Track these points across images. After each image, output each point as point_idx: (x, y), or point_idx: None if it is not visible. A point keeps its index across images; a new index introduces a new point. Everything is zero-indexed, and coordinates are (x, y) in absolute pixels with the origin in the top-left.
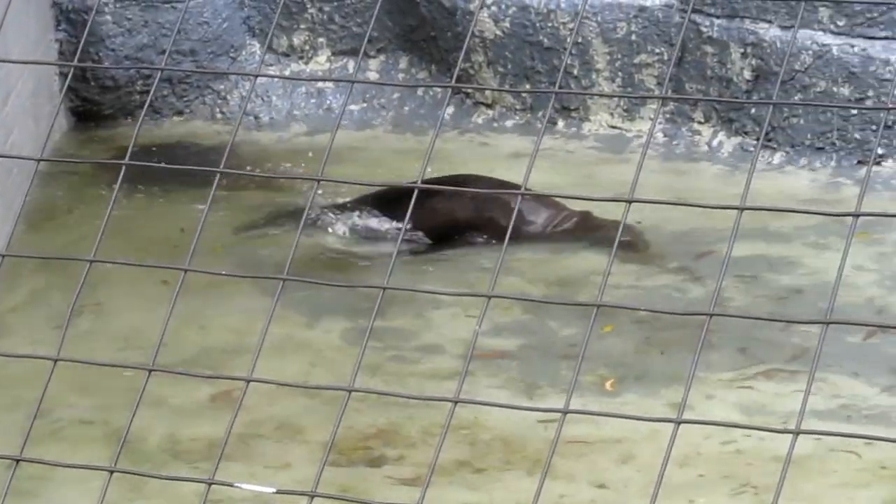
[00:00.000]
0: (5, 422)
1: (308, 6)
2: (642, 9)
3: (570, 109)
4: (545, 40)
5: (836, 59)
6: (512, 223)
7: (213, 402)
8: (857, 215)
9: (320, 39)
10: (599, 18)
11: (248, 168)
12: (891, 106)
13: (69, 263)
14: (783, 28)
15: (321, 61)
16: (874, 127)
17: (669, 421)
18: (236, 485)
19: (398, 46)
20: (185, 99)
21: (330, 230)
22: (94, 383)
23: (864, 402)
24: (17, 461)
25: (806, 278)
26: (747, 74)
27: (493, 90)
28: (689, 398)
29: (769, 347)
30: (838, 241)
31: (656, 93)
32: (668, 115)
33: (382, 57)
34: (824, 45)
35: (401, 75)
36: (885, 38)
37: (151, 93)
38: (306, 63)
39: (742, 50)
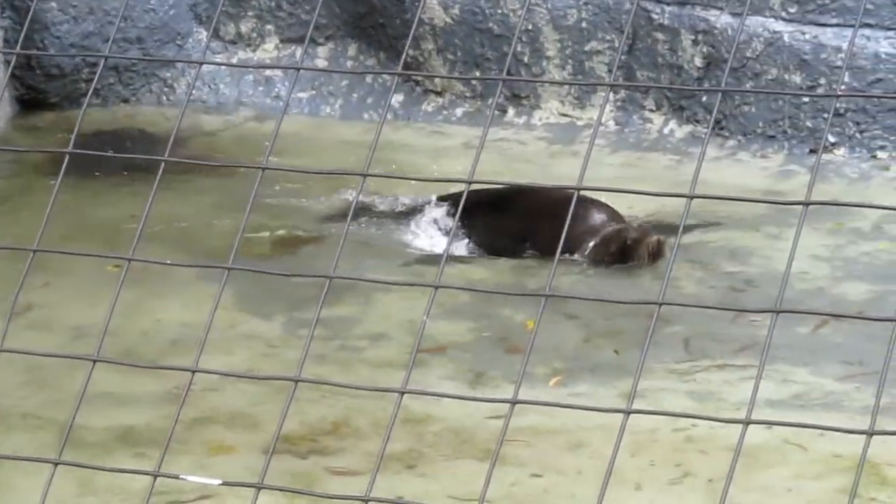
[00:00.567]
0: None
1: None
2: None
3: (521, 97)
4: (495, 27)
5: (788, 46)
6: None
7: (165, 393)
8: (806, 204)
9: (268, 27)
10: (549, 5)
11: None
12: (840, 93)
13: (14, 253)
14: (734, 15)
15: (269, 49)
16: (826, 115)
17: (619, 412)
18: (182, 477)
19: (347, 34)
20: (132, 87)
21: (413, 227)
22: (44, 375)
23: (817, 391)
24: None
25: (760, 268)
26: (698, 62)
27: (441, 77)
28: (642, 388)
29: (722, 337)
30: (792, 231)
31: (607, 80)
32: (619, 104)
33: (331, 44)
34: (776, 32)
35: (350, 63)
36: (837, 25)
37: (95, 80)
38: (254, 51)
39: (693, 37)
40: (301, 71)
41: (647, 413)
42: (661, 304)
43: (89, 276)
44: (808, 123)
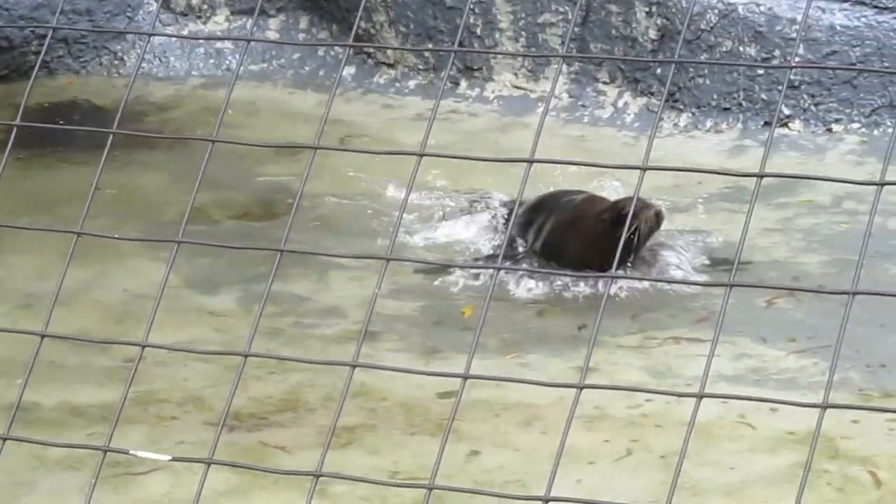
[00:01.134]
0: None
1: None
2: None
3: (473, 69)
4: None
5: (742, 18)
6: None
7: (115, 367)
8: (760, 176)
9: None
10: None
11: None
12: (795, 65)
13: None
14: None
15: (220, 21)
16: (781, 87)
17: (572, 387)
18: (132, 452)
19: (298, 6)
20: (82, 59)
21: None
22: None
23: (773, 366)
24: None
25: (717, 242)
26: (652, 34)
27: (393, 49)
28: (597, 362)
29: (677, 311)
30: (747, 206)
31: (560, 52)
32: (572, 76)
33: (282, 16)
34: (730, 3)
35: (301, 35)
36: None
37: (43, 52)
38: (204, 23)
39: (647, 9)
40: (252, 43)
41: (600, 388)
42: (612, 278)
43: (39, 250)
44: (763, 96)
